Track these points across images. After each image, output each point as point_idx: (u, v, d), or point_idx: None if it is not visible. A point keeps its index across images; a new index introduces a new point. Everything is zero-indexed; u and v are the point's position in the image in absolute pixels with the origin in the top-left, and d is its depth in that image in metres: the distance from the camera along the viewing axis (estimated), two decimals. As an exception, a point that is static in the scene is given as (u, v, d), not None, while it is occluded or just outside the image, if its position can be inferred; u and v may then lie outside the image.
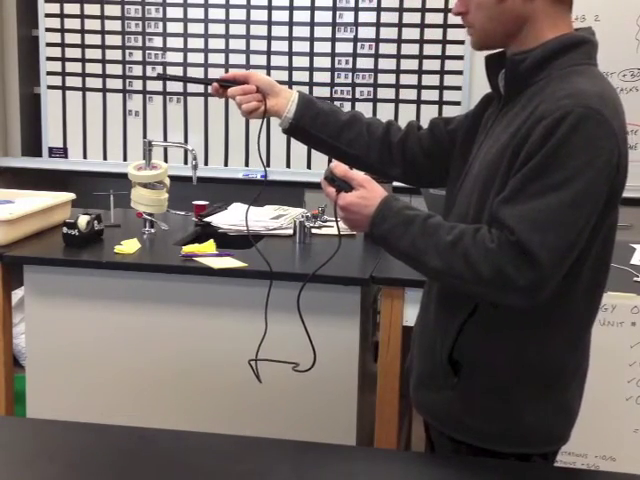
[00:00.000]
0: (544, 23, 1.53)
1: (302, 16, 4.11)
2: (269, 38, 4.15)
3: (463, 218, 1.57)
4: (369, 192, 1.57)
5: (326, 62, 4.11)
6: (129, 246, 2.77)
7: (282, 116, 1.80)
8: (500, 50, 1.61)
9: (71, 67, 4.33)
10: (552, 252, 1.41)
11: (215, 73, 4.18)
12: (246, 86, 1.78)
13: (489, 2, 1.53)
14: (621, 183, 1.50)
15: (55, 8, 4.29)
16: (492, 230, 1.46)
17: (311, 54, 4.12)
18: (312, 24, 4.10)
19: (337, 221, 1.66)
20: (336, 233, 3.11)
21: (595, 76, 1.52)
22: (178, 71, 4.23)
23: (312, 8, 4.09)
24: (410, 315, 2.54)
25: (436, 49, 4.00)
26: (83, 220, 2.77)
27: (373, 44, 4.06)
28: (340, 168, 1.61)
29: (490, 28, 1.56)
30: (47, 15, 4.30)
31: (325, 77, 4.12)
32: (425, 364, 1.68)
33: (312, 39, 4.11)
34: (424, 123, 1.84)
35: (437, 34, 3.98)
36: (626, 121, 1.51)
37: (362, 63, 4.08)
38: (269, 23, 4.14)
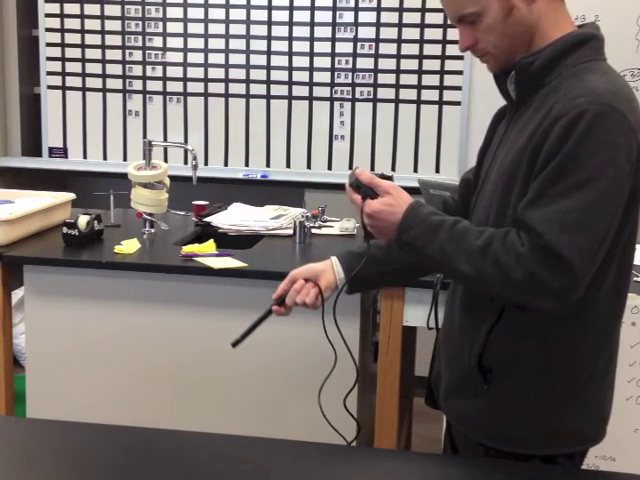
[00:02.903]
0: (549, 23, 1.54)
1: (302, 16, 4.10)
2: (269, 38, 4.15)
3: (483, 225, 1.56)
4: (395, 199, 1.56)
5: (326, 62, 4.11)
6: (129, 246, 2.77)
7: (339, 284, 1.81)
8: None
9: (71, 67, 4.33)
10: (582, 253, 1.40)
11: (215, 73, 4.19)
12: (296, 285, 1.81)
13: (497, 21, 1.52)
14: None
15: (55, 8, 4.29)
16: (521, 234, 1.44)
17: (311, 54, 4.12)
18: (312, 24, 4.10)
19: (365, 229, 1.63)
20: (336, 233, 3.12)
21: (606, 72, 1.52)
22: (178, 71, 4.23)
23: (312, 8, 4.09)
24: (410, 315, 2.54)
25: (436, 49, 4.00)
26: (83, 220, 2.77)
27: (373, 44, 4.06)
28: (366, 175, 1.60)
29: (506, 45, 1.55)
30: (47, 15, 4.30)
31: (325, 77, 4.12)
32: (454, 372, 1.66)
33: (312, 39, 4.11)
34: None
35: (437, 34, 3.98)
36: None
37: (362, 63, 4.08)
38: (269, 23, 4.14)
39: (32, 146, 4.50)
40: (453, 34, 3.92)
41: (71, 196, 3.13)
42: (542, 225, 1.41)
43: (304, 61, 4.13)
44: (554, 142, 1.43)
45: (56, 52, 4.32)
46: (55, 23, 4.30)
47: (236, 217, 3.15)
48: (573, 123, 1.41)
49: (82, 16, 4.28)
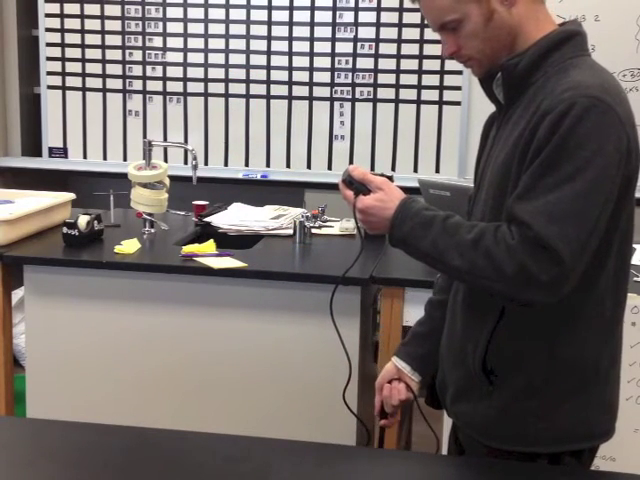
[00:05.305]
0: (530, 24, 1.55)
1: (302, 16, 4.11)
2: (269, 38, 4.15)
3: None
4: (387, 194, 1.57)
5: (326, 62, 4.11)
6: (129, 246, 2.77)
7: (409, 375, 1.83)
8: None
9: (71, 67, 4.33)
10: (572, 243, 1.40)
11: (215, 73, 4.19)
12: (385, 392, 1.83)
13: (479, 26, 1.53)
14: (635, 168, 1.50)
15: (55, 8, 4.29)
16: (512, 227, 1.45)
17: (311, 54, 4.12)
18: (312, 24, 4.10)
19: (358, 224, 1.63)
20: (336, 233, 3.12)
21: (591, 66, 1.53)
22: (178, 71, 4.23)
23: (312, 8, 4.09)
24: (410, 315, 2.54)
25: (436, 49, 3.99)
26: (83, 220, 2.77)
27: (373, 44, 4.06)
28: (358, 171, 1.60)
29: (489, 50, 1.56)
30: (47, 15, 4.30)
31: (325, 77, 4.12)
32: (459, 376, 1.66)
33: (312, 39, 4.11)
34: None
35: (437, 34, 3.97)
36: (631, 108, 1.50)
37: (362, 63, 4.08)
38: (269, 23, 4.14)
39: (32, 146, 4.50)
40: (453, 34, 3.92)
41: (71, 196, 3.13)
42: (531, 217, 1.42)
43: (304, 61, 4.13)
44: (543, 136, 1.44)
45: (56, 52, 4.32)
46: (55, 23, 4.30)
47: (236, 217, 3.15)
48: (561, 116, 1.42)
49: (82, 16, 4.28)
